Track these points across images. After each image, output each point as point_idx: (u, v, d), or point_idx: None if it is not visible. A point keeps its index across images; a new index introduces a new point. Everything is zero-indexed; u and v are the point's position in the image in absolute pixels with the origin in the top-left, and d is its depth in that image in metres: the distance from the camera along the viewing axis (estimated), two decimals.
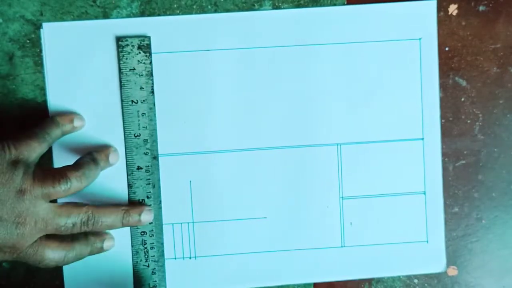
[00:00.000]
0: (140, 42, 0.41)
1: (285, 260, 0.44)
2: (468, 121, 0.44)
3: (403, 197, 0.44)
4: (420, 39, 0.43)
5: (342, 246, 0.44)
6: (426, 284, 0.45)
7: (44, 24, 0.41)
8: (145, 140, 0.42)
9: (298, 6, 0.43)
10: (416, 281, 0.45)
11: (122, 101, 0.42)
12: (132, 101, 0.42)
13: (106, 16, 0.42)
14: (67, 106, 0.42)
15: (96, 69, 0.42)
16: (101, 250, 0.41)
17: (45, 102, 0.42)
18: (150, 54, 0.41)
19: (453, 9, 0.43)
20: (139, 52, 0.41)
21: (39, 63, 0.42)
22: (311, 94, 0.43)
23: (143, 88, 0.42)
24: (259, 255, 0.44)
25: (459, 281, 0.45)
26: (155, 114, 0.42)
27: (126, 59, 0.41)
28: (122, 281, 0.43)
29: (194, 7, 0.42)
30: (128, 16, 0.42)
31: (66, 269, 0.43)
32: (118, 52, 0.41)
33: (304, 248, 0.44)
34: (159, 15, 0.42)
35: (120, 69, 0.42)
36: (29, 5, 0.41)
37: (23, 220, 0.36)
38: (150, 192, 0.42)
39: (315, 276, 0.44)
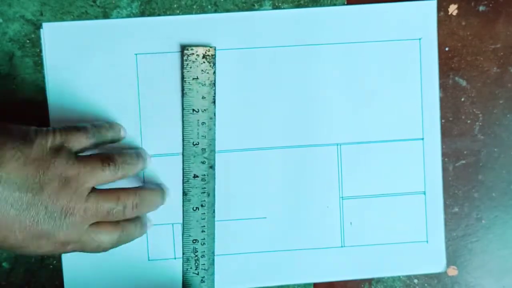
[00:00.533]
0: (205, 52, 0.41)
1: (285, 260, 0.44)
2: (468, 121, 0.44)
3: (403, 197, 0.44)
4: (420, 39, 0.43)
5: (342, 246, 0.44)
6: (426, 284, 0.45)
7: (44, 24, 0.41)
8: (203, 149, 0.42)
9: (298, 6, 0.43)
10: (416, 281, 0.45)
11: (183, 109, 0.42)
12: (193, 110, 0.42)
13: (106, 16, 0.42)
14: (67, 106, 0.42)
15: (97, 68, 0.42)
16: (143, 234, 0.42)
17: (45, 102, 0.42)
18: (214, 64, 0.42)
19: (453, 9, 0.43)
20: (204, 62, 0.41)
21: (39, 63, 0.42)
22: (311, 94, 0.43)
23: (204, 98, 0.42)
24: (259, 255, 0.44)
25: (459, 281, 0.45)
26: (214, 124, 0.42)
27: (190, 67, 0.41)
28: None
29: (194, 7, 0.42)
30: (128, 16, 0.42)
31: (65, 269, 0.43)
32: (183, 60, 0.41)
33: (304, 248, 0.44)
34: (159, 15, 0.42)
35: (183, 77, 0.42)
36: (29, 5, 0.41)
37: (72, 210, 0.36)
38: (204, 200, 0.42)
39: (315, 276, 0.44)
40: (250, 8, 0.42)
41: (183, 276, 0.43)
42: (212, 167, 0.42)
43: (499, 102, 0.44)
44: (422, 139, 0.44)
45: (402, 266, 0.44)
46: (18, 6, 0.42)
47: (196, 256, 0.43)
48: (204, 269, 0.43)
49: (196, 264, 0.43)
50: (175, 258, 0.43)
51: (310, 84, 0.43)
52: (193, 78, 0.41)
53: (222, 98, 0.43)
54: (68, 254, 0.42)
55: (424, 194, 0.44)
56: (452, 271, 0.45)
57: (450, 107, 0.44)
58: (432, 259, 0.44)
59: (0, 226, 0.34)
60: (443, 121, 0.44)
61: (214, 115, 0.42)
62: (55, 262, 0.43)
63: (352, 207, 0.44)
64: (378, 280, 0.45)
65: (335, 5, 0.43)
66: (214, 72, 0.42)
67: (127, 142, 0.42)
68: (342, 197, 0.44)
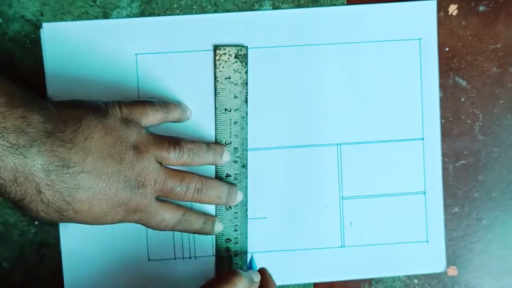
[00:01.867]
0: (237, 52, 0.41)
1: (285, 260, 0.44)
2: (468, 121, 0.44)
3: (403, 197, 0.44)
4: (420, 39, 0.43)
5: (342, 246, 0.44)
6: (426, 284, 0.45)
7: (44, 24, 0.41)
8: (236, 148, 0.42)
9: (298, 6, 0.43)
10: (416, 281, 0.45)
11: (215, 108, 0.42)
12: (226, 109, 0.42)
13: (106, 16, 0.42)
14: None
15: (97, 68, 0.42)
16: (209, 232, 0.42)
17: None
18: (246, 63, 0.42)
19: (453, 9, 0.43)
20: (236, 61, 0.42)
21: (39, 63, 0.42)
22: (311, 94, 0.43)
23: (237, 97, 0.42)
24: (260, 255, 0.44)
25: (459, 281, 0.45)
26: (247, 123, 0.42)
27: (223, 67, 0.42)
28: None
29: (194, 7, 0.42)
30: (128, 16, 0.42)
31: (65, 269, 0.42)
32: (215, 60, 0.42)
33: (304, 248, 0.44)
34: (159, 15, 0.42)
35: (215, 77, 0.42)
36: (29, 5, 0.41)
37: (144, 180, 0.37)
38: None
39: (315, 276, 0.44)
40: (250, 8, 0.42)
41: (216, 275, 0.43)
42: (244, 166, 0.42)
43: (499, 102, 0.44)
44: (422, 139, 0.44)
45: (402, 266, 0.44)
46: (18, 6, 0.41)
47: (229, 255, 0.43)
48: (238, 268, 0.43)
49: (229, 263, 0.43)
50: (175, 259, 0.43)
51: (310, 84, 0.43)
52: (226, 78, 0.42)
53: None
54: (68, 254, 0.42)
55: (424, 194, 0.44)
56: (452, 271, 0.45)
57: (450, 107, 0.44)
58: (432, 259, 0.44)
59: (89, 196, 0.35)
60: (443, 121, 0.44)
61: (246, 114, 0.42)
62: (55, 262, 0.43)
63: (352, 207, 0.44)
64: (378, 280, 0.45)
65: (335, 5, 0.43)
66: (246, 72, 0.42)
67: None
68: (342, 197, 0.44)
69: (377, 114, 0.43)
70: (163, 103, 0.40)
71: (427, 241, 0.44)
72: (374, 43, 0.43)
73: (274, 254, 0.44)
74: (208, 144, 0.41)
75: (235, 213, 0.42)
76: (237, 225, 0.43)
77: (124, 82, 0.42)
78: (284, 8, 0.43)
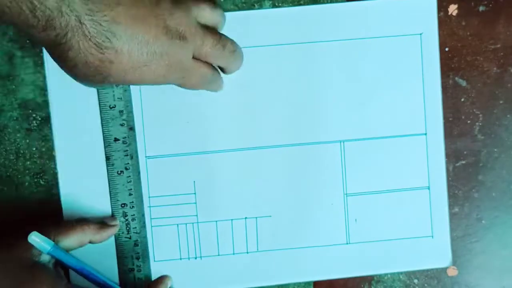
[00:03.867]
0: None
1: (290, 258, 0.44)
2: (468, 121, 0.44)
3: (407, 193, 0.44)
4: (421, 34, 0.43)
5: (347, 243, 0.44)
6: (426, 284, 0.45)
7: None
8: (121, 111, 0.42)
9: (298, 5, 0.43)
10: (416, 281, 0.45)
11: None
12: None
13: None
14: (68, 106, 0.42)
15: None
16: (220, 87, 0.42)
17: (45, 102, 0.42)
18: None
19: (453, 9, 0.43)
20: None
21: (39, 63, 0.42)
22: (312, 92, 0.43)
23: None
24: (265, 253, 0.44)
25: (459, 281, 0.45)
26: (129, 85, 0.42)
27: None
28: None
29: None
30: None
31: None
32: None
33: (309, 246, 0.44)
34: None
35: None
36: None
37: (184, 31, 0.35)
38: (128, 163, 0.42)
39: (321, 273, 0.44)
40: (250, 8, 0.42)
41: (115, 242, 0.43)
42: (132, 128, 0.42)
43: (499, 102, 0.44)
44: (425, 134, 0.44)
45: (407, 261, 0.44)
46: None
47: (127, 220, 0.43)
48: (136, 233, 0.43)
49: (128, 228, 0.43)
50: (180, 259, 0.43)
51: (312, 82, 0.43)
52: None
53: (224, 97, 0.43)
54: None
55: (429, 189, 0.44)
56: (452, 271, 0.45)
57: (450, 107, 0.44)
58: (437, 254, 0.44)
59: (128, 35, 0.33)
60: (443, 121, 0.44)
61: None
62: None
63: (357, 204, 0.44)
64: (378, 280, 0.45)
65: (336, 2, 0.43)
66: None
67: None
68: (346, 194, 0.44)
69: (380, 110, 0.43)
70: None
71: (432, 236, 0.44)
72: (375, 39, 0.43)
73: (279, 253, 0.44)
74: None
75: (127, 177, 0.42)
76: (131, 189, 0.42)
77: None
78: (284, 7, 0.43)
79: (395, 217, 0.44)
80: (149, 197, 0.43)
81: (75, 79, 0.34)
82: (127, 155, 0.42)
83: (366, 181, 0.44)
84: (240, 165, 0.43)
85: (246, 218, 0.43)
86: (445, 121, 0.44)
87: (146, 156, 0.43)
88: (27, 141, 0.42)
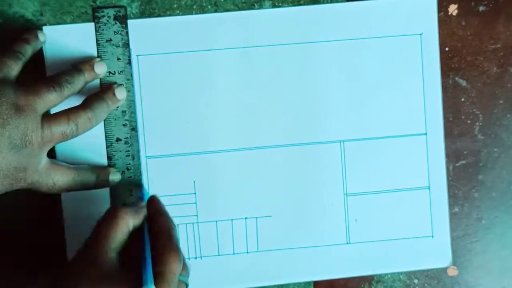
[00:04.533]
0: (116, 13, 0.41)
1: (290, 258, 0.44)
2: (468, 121, 0.44)
3: (407, 193, 0.44)
4: (421, 34, 0.43)
5: (347, 243, 0.44)
6: (426, 284, 0.45)
7: (44, 28, 0.41)
8: (123, 112, 0.42)
9: (298, 5, 0.43)
10: (416, 281, 0.45)
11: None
12: (110, 72, 0.41)
13: None
14: (67, 106, 0.42)
15: None
16: (107, 183, 0.41)
17: None
18: (126, 25, 0.41)
19: (453, 9, 0.43)
20: (115, 23, 0.41)
21: (39, 63, 0.42)
22: (312, 92, 0.43)
23: (120, 59, 0.42)
24: (265, 253, 0.44)
25: (459, 281, 0.45)
26: (133, 85, 0.42)
27: (103, 30, 0.41)
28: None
29: (194, 7, 0.42)
30: (128, 16, 0.42)
31: None
32: (95, 23, 0.41)
33: (309, 246, 0.44)
34: (159, 15, 0.42)
35: (97, 40, 0.41)
36: (29, 5, 0.41)
37: (30, 138, 0.35)
38: (130, 164, 0.42)
39: (320, 274, 0.44)
40: (250, 8, 0.42)
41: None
42: (134, 129, 0.42)
43: (499, 102, 0.44)
44: (425, 134, 0.44)
45: (408, 261, 0.44)
46: (18, 6, 0.41)
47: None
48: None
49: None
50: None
51: (312, 82, 0.43)
52: (106, 40, 0.41)
53: (224, 97, 0.43)
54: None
55: (429, 189, 0.44)
56: (452, 271, 0.45)
57: (450, 107, 0.44)
58: (437, 254, 0.44)
59: None
60: (443, 121, 0.44)
61: (131, 76, 0.42)
62: (55, 262, 0.43)
63: (357, 204, 0.44)
64: (378, 280, 0.45)
65: (336, 2, 0.43)
66: (127, 33, 0.41)
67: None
68: (346, 193, 0.44)
69: (380, 110, 0.43)
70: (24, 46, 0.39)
71: (432, 236, 0.44)
72: (375, 39, 0.43)
73: (280, 252, 0.44)
74: (74, 66, 0.40)
75: (129, 177, 0.42)
76: (131, 190, 0.42)
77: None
78: (284, 7, 0.43)
79: (395, 217, 0.44)
80: None
81: None
82: (128, 155, 0.42)
83: (366, 181, 0.44)
84: (240, 165, 0.43)
85: (246, 218, 0.43)
86: (445, 121, 0.44)
87: (146, 156, 0.43)
88: None
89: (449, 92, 0.44)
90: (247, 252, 0.44)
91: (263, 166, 0.43)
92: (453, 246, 0.45)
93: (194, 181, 0.43)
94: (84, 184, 0.40)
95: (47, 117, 0.37)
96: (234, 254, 0.44)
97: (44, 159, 0.37)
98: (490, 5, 0.44)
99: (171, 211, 0.43)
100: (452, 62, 0.44)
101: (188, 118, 0.43)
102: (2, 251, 0.43)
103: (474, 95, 0.44)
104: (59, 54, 0.41)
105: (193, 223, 0.43)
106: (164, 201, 0.42)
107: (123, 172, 0.42)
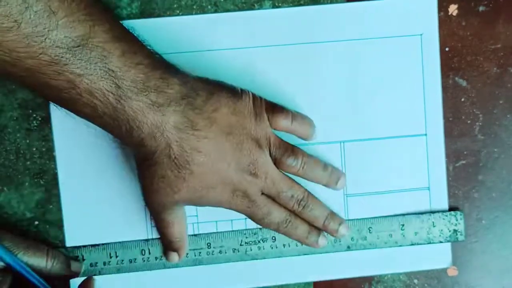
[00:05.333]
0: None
1: (290, 259, 0.44)
2: (468, 121, 0.44)
3: (407, 193, 0.44)
4: (421, 34, 0.43)
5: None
6: (426, 284, 0.45)
7: None
8: None
9: (299, 6, 0.43)
10: (416, 281, 0.45)
11: None
12: None
13: None
14: None
15: None
16: (313, 244, 0.43)
17: (45, 102, 0.42)
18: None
19: (453, 9, 0.43)
20: None
21: None
22: (313, 93, 0.43)
23: None
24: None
25: (459, 281, 0.45)
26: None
27: None
28: None
29: (194, 7, 0.42)
30: (128, 16, 0.42)
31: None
32: None
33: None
34: (159, 15, 0.42)
35: None
36: None
37: (256, 170, 0.39)
38: None
39: (320, 274, 0.44)
40: (250, 8, 0.42)
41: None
42: None
43: (499, 102, 0.44)
44: (425, 135, 0.44)
45: (408, 262, 0.44)
46: None
47: None
48: None
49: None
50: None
51: (312, 82, 0.43)
52: None
53: None
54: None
55: (428, 189, 0.44)
56: (452, 271, 0.45)
57: (450, 107, 0.44)
58: (437, 254, 0.44)
59: (205, 162, 0.37)
60: (443, 121, 0.44)
61: None
62: None
63: (357, 204, 0.44)
64: (378, 281, 0.45)
65: (335, 3, 0.43)
66: None
67: None
68: (346, 194, 0.44)
69: (380, 110, 0.43)
70: (296, 113, 0.41)
71: None
72: (375, 40, 0.43)
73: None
74: (325, 164, 0.42)
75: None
76: None
77: None
78: (284, 8, 0.43)
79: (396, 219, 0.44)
80: None
81: (144, 190, 0.39)
82: None
83: (366, 182, 0.44)
84: None
85: (246, 218, 0.43)
86: (445, 121, 0.44)
87: None
88: (27, 141, 0.42)
89: (449, 92, 0.44)
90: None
91: None
92: (453, 246, 0.45)
93: None
94: (294, 230, 0.42)
95: (278, 170, 0.40)
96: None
97: (260, 195, 0.40)
98: (490, 5, 0.44)
99: None
100: (452, 62, 0.44)
101: None
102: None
103: (474, 95, 0.44)
104: None
105: (193, 223, 0.43)
106: None
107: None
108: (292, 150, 0.40)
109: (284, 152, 0.40)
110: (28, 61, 0.32)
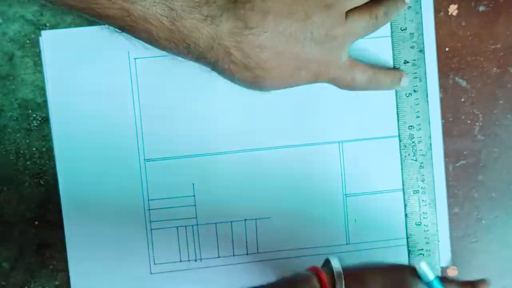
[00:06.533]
0: None
1: (291, 259, 0.44)
2: (468, 122, 0.44)
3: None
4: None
5: (347, 244, 0.44)
6: None
7: (43, 32, 0.41)
8: (411, 34, 0.42)
9: None
10: None
11: None
12: None
13: None
14: (68, 106, 0.42)
15: (97, 71, 0.42)
16: (397, 87, 0.42)
17: (45, 102, 0.42)
18: None
19: (453, 9, 0.43)
20: None
21: (39, 63, 0.42)
22: (310, 93, 0.43)
23: None
24: (265, 255, 0.44)
25: None
26: (420, 7, 0.42)
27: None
28: None
29: None
30: None
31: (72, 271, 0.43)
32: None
33: (309, 247, 0.44)
34: None
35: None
36: (29, 5, 0.41)
37: (335, 33, 0.38)
38: (416, 86, 0.43)
39: None
40: None
41: (401, 162, 0.43)
42: (421, 51, 0.42)
43: (499, 103, 0.44)
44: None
45: (408, 261, 0.44)
46: (18, 6, 0.41)
47: (413, 142, 0.43)
48: (422, 155, 0.43)
49: (414, 150, 0.43)
50: (180, 261, 0.43)
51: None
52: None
53: (223, 99, 0.43)
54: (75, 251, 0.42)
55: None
56: (452, 271, 0.45)
57: (450, 107, 0.44)
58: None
59: (275, 55, 0.37)
60: (443, 121, 0.44)
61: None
62: (55, 262, 0.43)
63: (356, 204, 0.44)
64: None
65: None
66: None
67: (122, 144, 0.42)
68: (345, 194, 0.44)
69: (378, 110, 0.43)
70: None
71: None
72: (375, 40, 0.43)
73: (279, 254, 0.44)
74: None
75: (415, 99, 0.43)
76: (418, 112, 0.43)
77: (123, 85, 0.42)
78: None
79: (395, 218, 0.44)
80: (148, 200, 0.43)
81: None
82: (416, 77, 0.43)
83: (365, 181, 0.44)
84: (239, 166, 0.43)
85: (245, 220, 0.43)
86: (445, 121, 0.44)
87: (145, 159, 0.43)
88: (27, 141, 0.42)
89: (449, 92, 0.44)
90: (247, 254, 0.44)
91: (262, 168, 0.43)
92: (453, 246, 0.45)
93: (193, 184, 0.43)
94: (379, 84, 0.42)
95: (351, 12, 0.38)
96: (233, 256, 0.44)
97: (346, 55, 0.39)
98: (490, 5, 0.43)
99: (171, 213, 0.43)
100: (452, 62, 0.44)
101: (187, 121, 0.43)
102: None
103: (474, 95, 0.44)
104: (59, 59, 0.41)
105: (192, 226, 0.43)
106: (163, 203, 0.42)
107: (410, 94, 0.43)
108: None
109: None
110: None
